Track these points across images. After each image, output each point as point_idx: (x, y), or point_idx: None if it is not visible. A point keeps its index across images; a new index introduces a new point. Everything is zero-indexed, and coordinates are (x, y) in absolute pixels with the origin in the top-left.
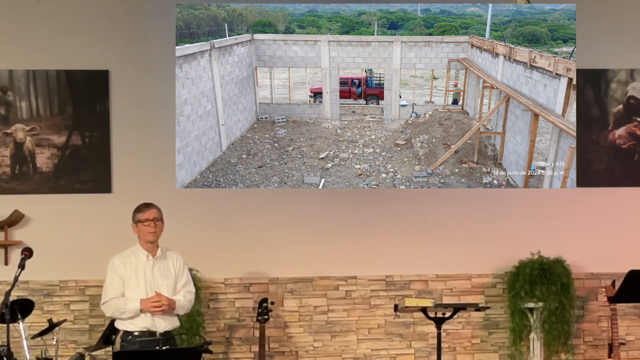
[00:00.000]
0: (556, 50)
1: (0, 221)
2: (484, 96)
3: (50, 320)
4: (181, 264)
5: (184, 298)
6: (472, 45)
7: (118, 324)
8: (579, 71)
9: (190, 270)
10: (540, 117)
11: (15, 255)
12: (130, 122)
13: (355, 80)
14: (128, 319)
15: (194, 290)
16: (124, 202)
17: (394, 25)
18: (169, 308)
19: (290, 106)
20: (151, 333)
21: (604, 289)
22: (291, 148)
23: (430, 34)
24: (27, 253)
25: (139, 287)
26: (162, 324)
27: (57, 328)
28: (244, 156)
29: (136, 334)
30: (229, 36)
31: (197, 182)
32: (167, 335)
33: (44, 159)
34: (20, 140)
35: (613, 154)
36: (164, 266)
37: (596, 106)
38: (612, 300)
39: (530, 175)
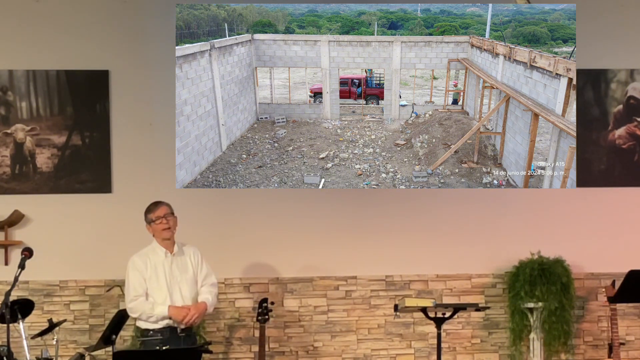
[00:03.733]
0: (556, 50)
1: (0, 221)
2: (484, 96)
3: (50, 320)
4: (199, 258)
5: (211, 295)
6: (472, 45)
7: (138, 322)
8: (579, 71)
9: None
10: (540, 117)
11: (15, 255)
12: (130, 122)
13: (355, 80)
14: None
15: (216, 281)
16: (124, 202)
17: (394, 25)
18: (199, 317)
19: (290, 106)
20: (172, 329)
21: (604, 289)
22: (291, 148)
23: (430, 34)
24: (27, 253)
25: (160, 286)
26: None
27: (57, 328)
28: (244, 156)
29: (157, 329)
30: (229, 36)
31: (197, 182)
32: (188, 332)
33: (44, 159)
34: (20, 140)
35: (613, 154)
36: (182, 262)
37: (596, 106)
38: (612, 300)
39: (530, 175)
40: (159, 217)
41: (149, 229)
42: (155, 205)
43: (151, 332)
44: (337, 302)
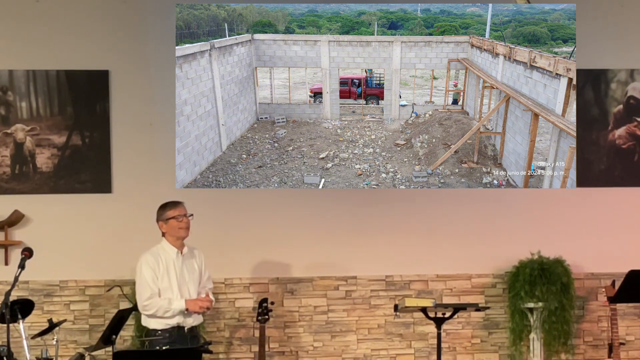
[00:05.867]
0: (556, 50)
1: (0, 221)
2: (484, 96)
3: (50, 320)
4: (203, 261)
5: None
6: (472, 45)
7: (146, 322)
8: (579, 71)
9: None
10: (540, 117)
11: (15, 255)
12: (130, 122)
13: (355, 80)
14: (161, 317)
15: (212, 287)
16: (124, 202)
17: (394, 25)
18: (210, 307)
19: (290, 106)
20: (180, 328)
21: (604, 289)
22: (291, 148)
23: (430, 34)
24: (27, 253)
25: (171, 284)
26: (190, 320)
27: (57, 328)
28: (244, 156)
29: (166, 329)
30: (229, 36)
31: (197, 182)
32: (195, 332)
33: (44, 159)
34: (20, 140)
35: (613, 154)
36: (190, 263)
37: (596, 106)
38: (612, 300)
39: (530, 175)
40: (180, 214)
41: (162, 227)
42: (176, 203)
43: (159, 332)
44: (337, 302)
